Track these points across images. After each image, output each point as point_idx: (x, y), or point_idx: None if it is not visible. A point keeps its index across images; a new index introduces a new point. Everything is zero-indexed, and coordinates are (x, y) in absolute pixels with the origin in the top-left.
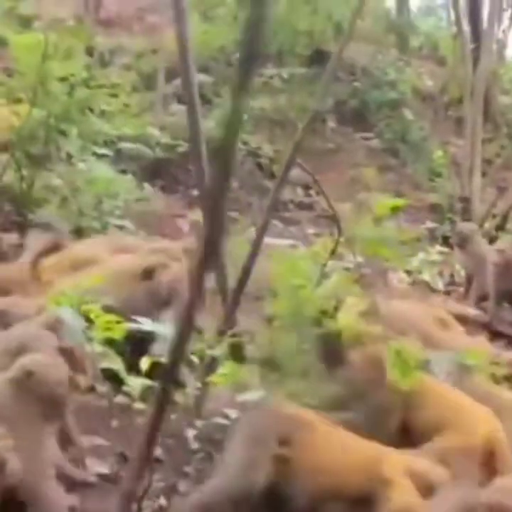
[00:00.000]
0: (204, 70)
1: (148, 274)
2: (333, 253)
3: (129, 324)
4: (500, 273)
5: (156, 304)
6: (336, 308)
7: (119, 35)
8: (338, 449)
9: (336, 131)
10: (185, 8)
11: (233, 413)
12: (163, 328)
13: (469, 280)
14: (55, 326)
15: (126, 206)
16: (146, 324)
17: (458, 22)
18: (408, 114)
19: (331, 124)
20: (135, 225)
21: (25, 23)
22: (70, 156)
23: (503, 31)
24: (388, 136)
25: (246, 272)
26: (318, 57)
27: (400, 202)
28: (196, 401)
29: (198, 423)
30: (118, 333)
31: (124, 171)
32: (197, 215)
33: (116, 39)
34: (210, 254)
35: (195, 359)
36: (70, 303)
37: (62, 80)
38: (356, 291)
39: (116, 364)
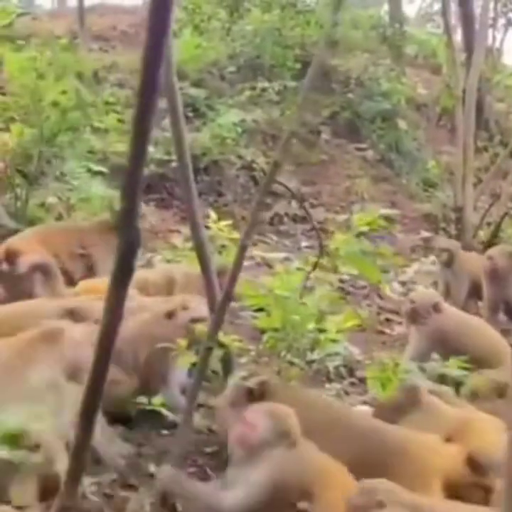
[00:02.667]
0: (197, 83)
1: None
2: (314, 268)
3: None
4: (490, 280)
5: None
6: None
7: (113, 51)
8: None
9: (329, 142)
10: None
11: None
12: None
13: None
14: None
15: None
16: None
17: (447, 30)
18: (402, 124)
19: (325, 136)
20: None
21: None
22: (64, 174)
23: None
24: (382, 146)
25: (231, 284)
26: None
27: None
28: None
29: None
30: None
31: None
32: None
33: (110, 55)
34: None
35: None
36: None
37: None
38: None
39: None
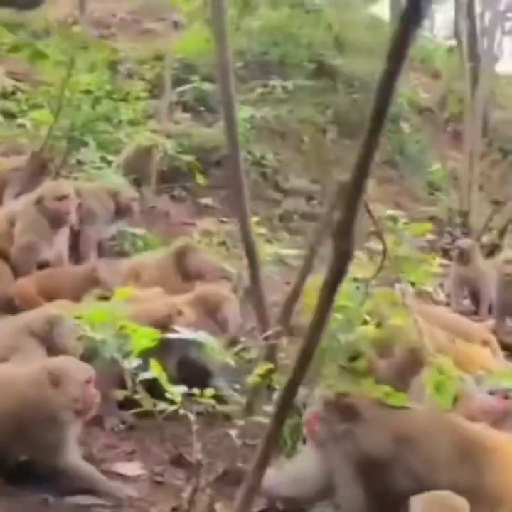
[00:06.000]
0: (207, 78)
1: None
2: (378, 272)
3: (169, 334)
4: (505, 285)
5: None
6: (379, 326)
7: (115, 40)
8: None
9: (335, 142)
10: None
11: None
12: (204, 336)
13: (474, 295)
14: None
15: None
16: (186, 333)
17: (458, 38)
18: (405, 127)
19: (331, 135)
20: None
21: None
22: (81, 163)
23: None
24: (387, 148)
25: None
26: (319, 69)
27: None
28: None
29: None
30: (153, 341)
31: (136, 180)
32: (207, 223)
33: (111, 43)
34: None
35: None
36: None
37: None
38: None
39: (157, 372)
